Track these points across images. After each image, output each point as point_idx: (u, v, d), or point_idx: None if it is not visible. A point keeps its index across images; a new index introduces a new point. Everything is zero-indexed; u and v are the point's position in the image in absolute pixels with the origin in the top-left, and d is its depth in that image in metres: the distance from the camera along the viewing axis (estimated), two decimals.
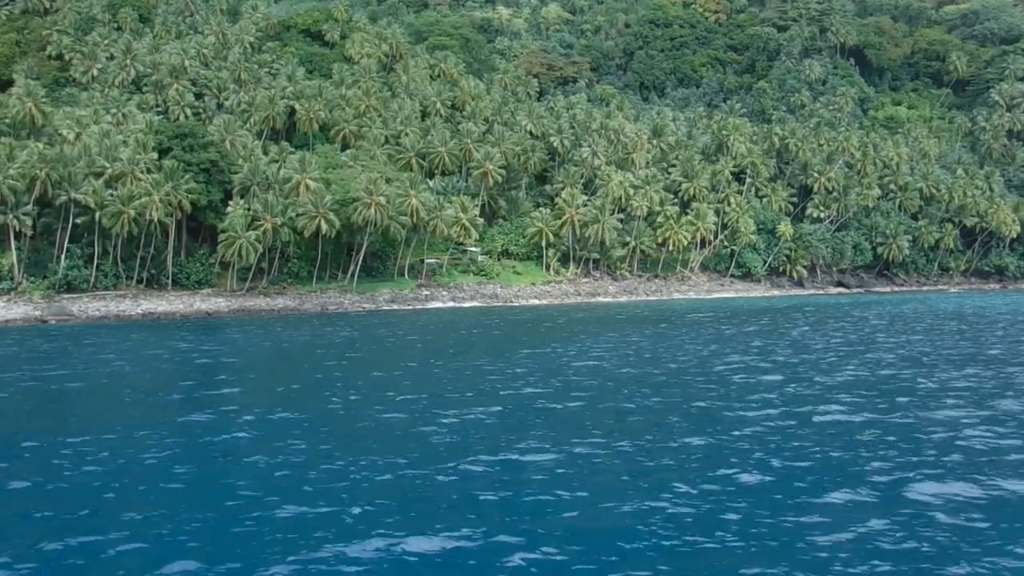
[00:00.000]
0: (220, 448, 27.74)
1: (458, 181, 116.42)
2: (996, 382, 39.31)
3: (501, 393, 37.07)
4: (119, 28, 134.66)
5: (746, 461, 25.00)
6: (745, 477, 23.41)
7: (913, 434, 28.38)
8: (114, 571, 17.36)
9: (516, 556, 17.88)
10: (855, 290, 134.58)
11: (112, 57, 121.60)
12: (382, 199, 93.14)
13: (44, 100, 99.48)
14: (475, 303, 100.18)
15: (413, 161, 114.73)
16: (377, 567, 17.47)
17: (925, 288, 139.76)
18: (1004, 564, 17.34)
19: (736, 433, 28.64)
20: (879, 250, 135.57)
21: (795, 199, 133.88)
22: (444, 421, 30.72)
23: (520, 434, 28.64)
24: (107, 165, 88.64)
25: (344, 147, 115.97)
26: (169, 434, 29.13)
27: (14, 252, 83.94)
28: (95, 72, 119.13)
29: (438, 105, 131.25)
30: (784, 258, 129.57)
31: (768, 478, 23.43)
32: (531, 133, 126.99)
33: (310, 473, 23.94)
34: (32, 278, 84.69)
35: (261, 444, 27.68)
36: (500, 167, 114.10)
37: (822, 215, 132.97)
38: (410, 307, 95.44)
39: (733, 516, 20.17)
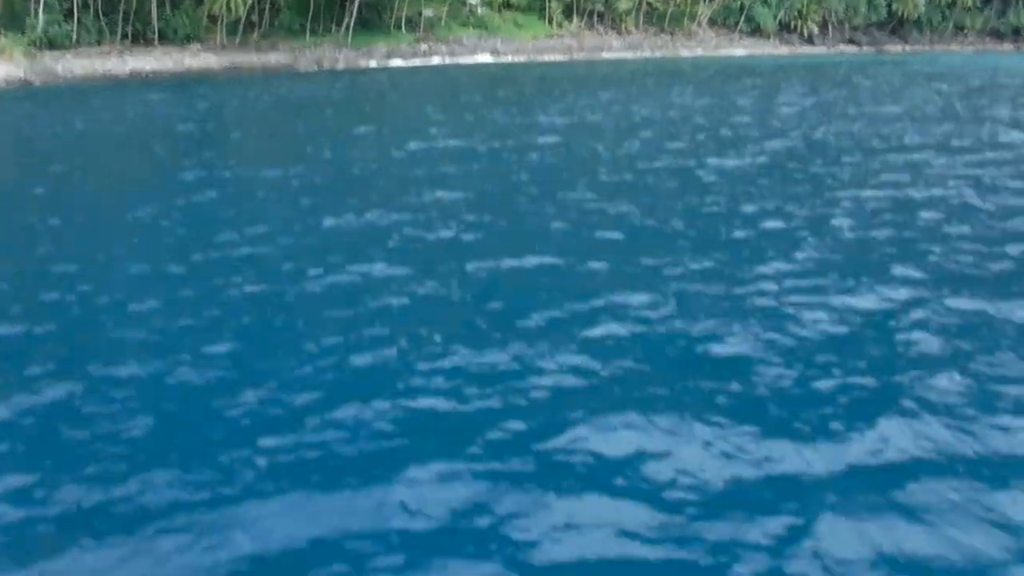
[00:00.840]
0: (208, 205, 26.66)
1: None
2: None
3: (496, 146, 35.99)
4: None
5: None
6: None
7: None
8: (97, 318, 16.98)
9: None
10: (866, 48, 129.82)
11: None
12: None
13: None
14: (475, 58, 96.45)
15: None
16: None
17: (938, 47, 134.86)
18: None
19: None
20: (894, 6, 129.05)
21: None
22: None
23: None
24: None
25: None
26: (159, 194, 27.87)
27: None
28: None
29: None
30: (796, 13, 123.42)
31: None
32: None
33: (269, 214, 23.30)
34: (9, 33, 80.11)
35: (247, 199, 26.84)
36: None
37: None
38: (409, 63, 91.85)
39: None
